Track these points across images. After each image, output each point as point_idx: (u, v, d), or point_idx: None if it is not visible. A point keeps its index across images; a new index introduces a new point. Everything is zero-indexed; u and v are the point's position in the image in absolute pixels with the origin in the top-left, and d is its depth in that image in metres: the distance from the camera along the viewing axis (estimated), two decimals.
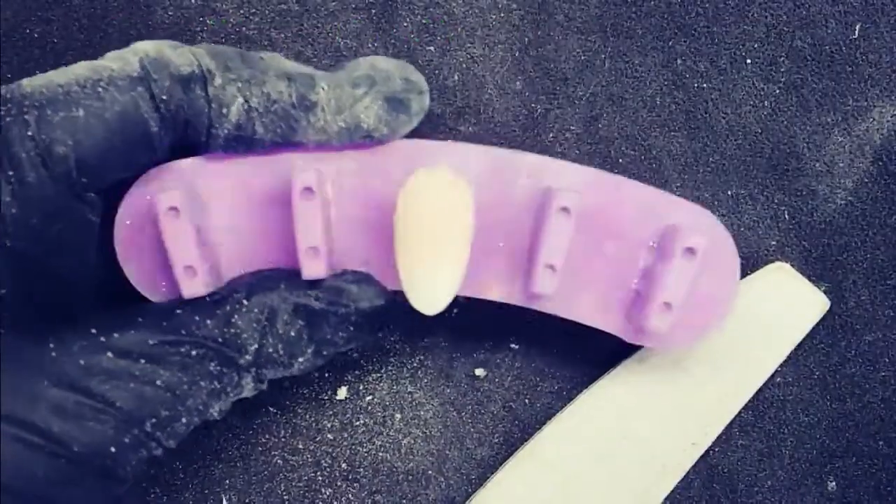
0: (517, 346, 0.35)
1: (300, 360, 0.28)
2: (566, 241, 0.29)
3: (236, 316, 0.27)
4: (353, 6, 0.34)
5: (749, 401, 0.34)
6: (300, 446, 0.35)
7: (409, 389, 0.35)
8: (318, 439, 0.35)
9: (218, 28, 0.34)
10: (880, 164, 0.34)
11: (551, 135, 0.34)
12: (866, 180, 0.34)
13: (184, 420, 0.26)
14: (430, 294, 0.28)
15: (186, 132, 0.27)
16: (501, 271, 0.30)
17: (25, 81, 0.25)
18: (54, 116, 0.24)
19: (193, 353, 0.26)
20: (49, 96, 0.24)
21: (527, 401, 0.35)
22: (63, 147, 0.24)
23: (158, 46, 0.26)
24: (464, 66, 0.34)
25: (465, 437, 0.35)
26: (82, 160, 0.24)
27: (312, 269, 0.28)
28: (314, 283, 0.28)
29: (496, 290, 0.30)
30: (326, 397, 0.35)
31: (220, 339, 0.26)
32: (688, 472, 0.34)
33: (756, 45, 0.34)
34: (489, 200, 0.30)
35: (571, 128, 0.34)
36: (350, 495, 0.35)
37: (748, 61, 0.34)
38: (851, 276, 0.35)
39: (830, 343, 0.35)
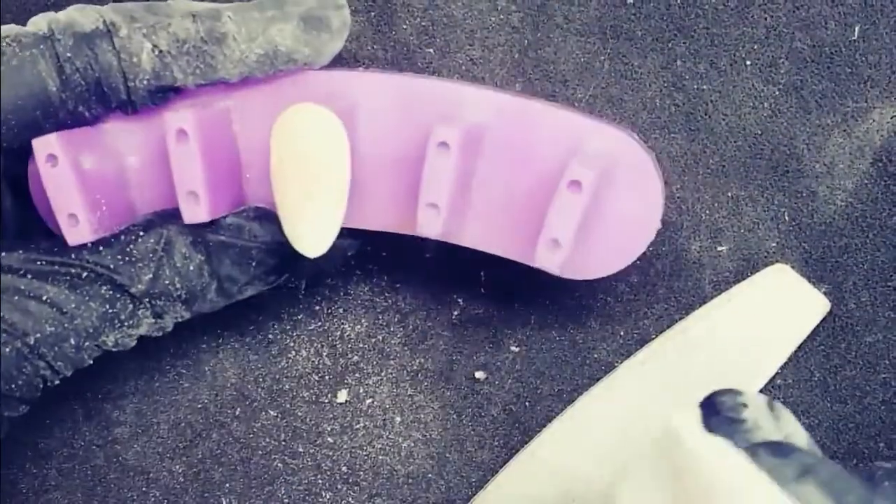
0: (517, 349, 0.35)
1: (204, 297, 0.28)
2: (446, 179, 0.27)
3: (132, 246, 0.27)
4: (353, 8, 0.34)
5: None
6: (300, 449, 0.35)
7: (409, 392, 0.35)
8: (318, 442, 0.35)
9: None
10: (880, 165, 0.34)
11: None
12: (866, 182, 0.34)
13: (72, 341, 0.26)
14: (309, 235, 0.27)
15: (103, 92, 0.27)
16: (411, 203, 0.29)
17: None
18: None
19: (84, 275, 0.26)
20: None
21: (527, 403, 0.35)
22: None
23: (68, 11, 0.27)
24: (463, 68, 0.34)
25: (466, 440, 0.35)
26: None
27: (193, 213, 0.27)
28: (215, 221, 0.28)
29: (407, 224, 0.29)
30: (326, 400, 0.35)
31: (111, 266, 0.27)
32: None
33: (756, 47, 0.34)
34: (396, 132, 0.29)
35: None
36: (350, 498, 0.35)
37: (748, 63, 0.34)
38: (852, 278, 0.34)
39: (831, 345, 0.35)
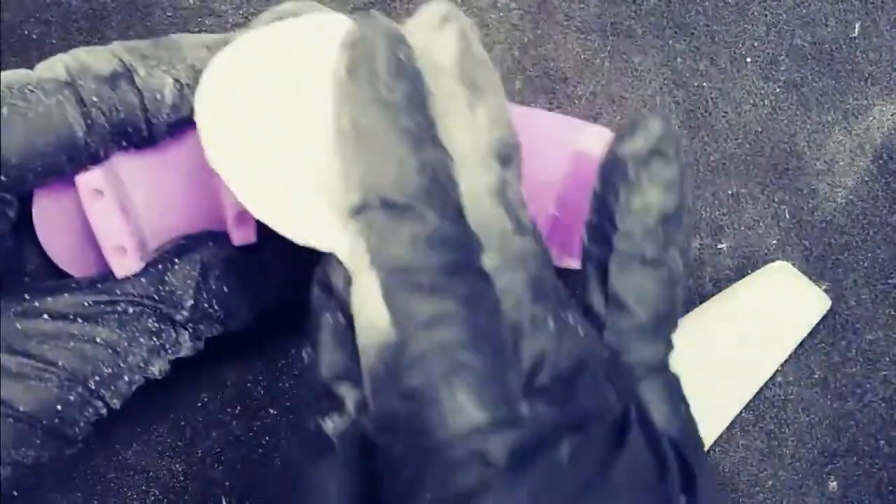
0: None
1: (239, 315, 0.28)
2: None
3: (169, 274, 0.27)
4: (352, 6, 0.34)
5: (750, 400, 0.34)
6: None
7: None
8: None
9: (217, 28, 0.34)
10: (881, 162, 0.34)
11: None
12: (867, 179, 0.34)
13: (126, 378, 0.26)
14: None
15: (126, 132, 0.27)
16: None
17: None
18: None
19: (130, 310, 0.26)
20: None
21: None
22: None
23: (74, 54, 0.27)
24: None
25: None
26: (2, 157, 0.24)
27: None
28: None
29: None
30: None
31: (155, 297, 0.27)
32: None
33: (756, 44, 0.34)
34: None
35: None
36: None
37: (748, 60, 0.34)
38: (852, 275, 0.34)
39: (831, 342, 0.35)
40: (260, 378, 0.35)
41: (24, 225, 0.29)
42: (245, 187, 0.22)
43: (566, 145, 0.29)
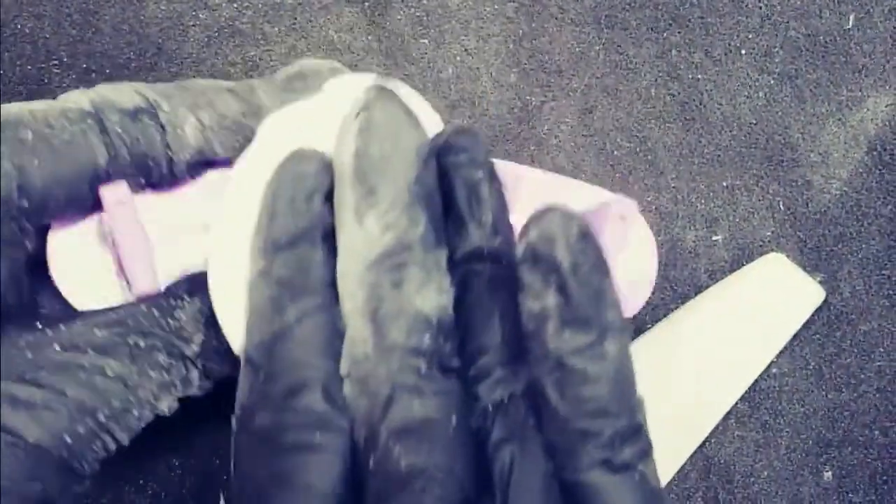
0: None
1: None
2: None
3: (178, 310, 0.27)
4: (359, 9, 0.34)
5: (745, 392, 0.34)
6: None
7: None
8: None
9: (211, 22, 0.34)
10: (875, 154, 0.34)
11: (546, 127, 0.34)
12: (861, 170, 0.34)
13: (135, 412, 0.26)
14: None
15: (147, 166, 0.27)
16: None
17: None
18: (2, 134, 0.24)
19: (142, 343, 0.26)
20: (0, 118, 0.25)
21: None
22: (8, 164, 0.24)
23: (97, 89, 0.27)
24: (458, 58, 0.34)
25: None
26: (25, 183, 0.24)
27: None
28: None
29: None
30: None
31: (165, 329, 0.27)
32: (684, 464, 0.34)
33: (750, 36, 0.34)
34: None
35: (566, 120, 0.34)
36: None
37: (743, 52, 0.34)
38: (847, 267, 0.35)
39: (826, 333, 0.35)
40: None
41: (41, 264, 0.29)
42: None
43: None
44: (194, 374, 0.28)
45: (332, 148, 0.23)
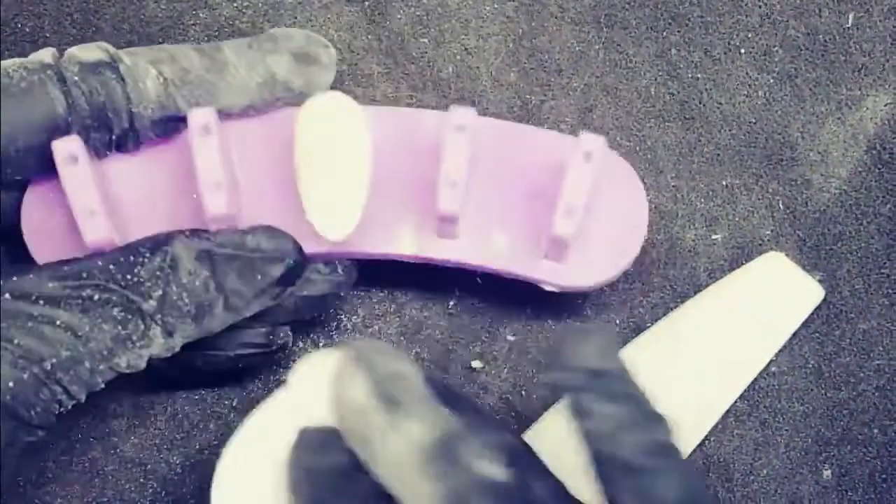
0: (513, 338, 0.35)
1: (212, 312, 0.28)
2: (465, 158, 0.29)
3: (139, 266, 0.27)
4: (358, 8, 0.34)
5: (744, 390, 0.34)
6: None
7: None
8: None
9: (211, 21, 0.34)
10: (874, 152, 0.34)
11: (546, 126, 0.34)
12: (860, 169, 0.34)
13: (87, 364, 0.26)
14: (332, 218, 0.29)
15: (107, 117, 0.27)
16: (412, 224, 0.31)
17: None
18: None
19: (95, 296, 0.26)
20: None
21: (523, 392, 0.35)
22: None
23: (69, 49, 0.28)
24: (458, 57, 0.34)
25: None
26: None
27: (216, 204, 0.28)
28: (218, 233, 0.29)
29: (408, 243, 0.31)
30: None
31: (122, 284, 0.27)
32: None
33: (750, 35, 0.34)
34: (397, 159, 0.30)
35: (566, 119, 0.34)
36: None
37: (742, 51, 0.34)
38: (846, 265, 0.35)
39: (825, 332, 0.35)
40: (256, 370, 0.35)
41: (11, 232, 0.29)
42: None
43: (557, 161, 0.30)
44: (155, 331, 0.28)
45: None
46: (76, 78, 0.26)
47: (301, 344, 0.35)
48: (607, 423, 0.22)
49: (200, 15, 0.34)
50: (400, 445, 0.21)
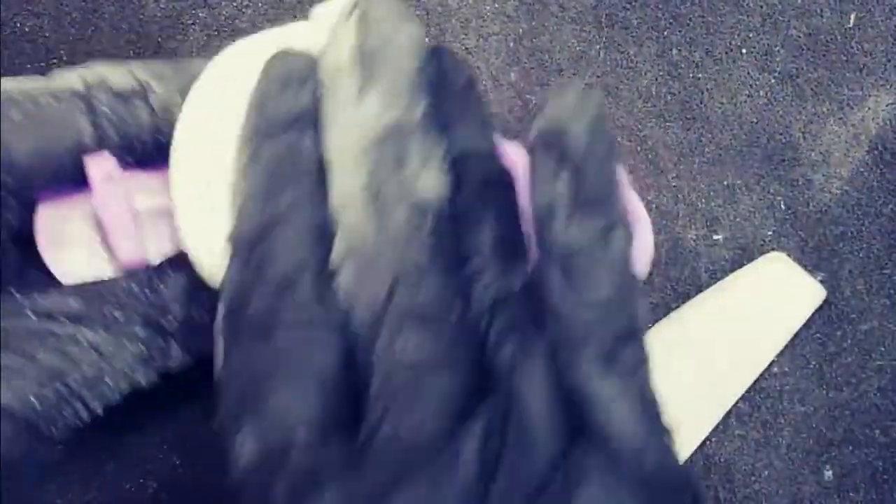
0: None
1: None
2: None
3: (161, 284, 0.27)
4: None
5: (745, 391, 0.34)
6: None
7: None
8: None
9: (210, 21, 0.34)
10: (876, 153, 0.34)
11: None
12: (862, 169, 0.34)
13: (109, 382, 0.26)
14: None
15: (133, 147, 0.27)
16: None
17: None
18: None
19: (118, 315, 0.26)
20: None
21: None
22: None
23: (91, 67, 0.27)
24: (458, 57, 0.34)
25: None
26: (9, 160, 0.25)
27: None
28: None
29: None
30: None
31: (145, 302, 0.27)
32: (684, 462, 0.34)
33: (751, 35, 0.34)
34: None
35: None
36: None
37: (744, 51, 0.34)
38: (847, 266, 0.35)
39: (826, 332, 0.35)
40: None
41: (29, 241, 0.29)
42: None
43: None
44: (173, 348, 0.28)
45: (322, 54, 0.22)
46: (105, 108, 0.26)
47: None
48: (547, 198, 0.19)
49: (200, 14, 0.34)
50: (352, 121, 0.19)
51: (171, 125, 0.27)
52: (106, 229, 0.27)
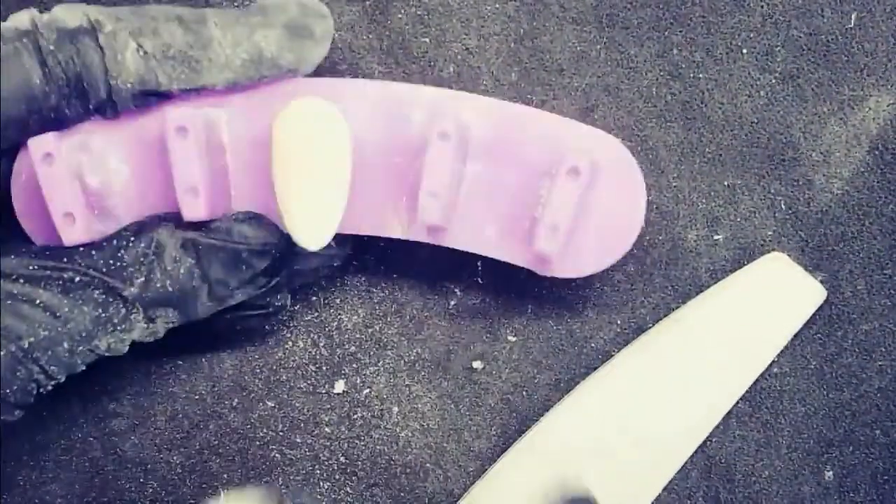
0: (514, 339, 0.35)
1: (196, 301, 0.28)
2: (446, 168, 0.28)
3: (123, 251, 0.27)
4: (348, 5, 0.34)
5: (746, 391, 0.34)
6: (298, 440, 0.35)
7: (406, 383, 0.35)
8: (315, 433, 0.35)
9: (201, 3, 0.34)
10: (876, 153, 0.34)
11: None
12: (862, 170, 0.34)
13: (66, 345, 0.26)
14: (309, 228, 0.28)
15: (84, 88, 0.27)
16: (400, 206, 0.30)
17: None
18: None
19: (76, 279, 0.26)
20: None
21: (524, 393, 0.35)
22: None
23: (52, 10, 0.27)
24: (459, 57, 0.34)
25: (463, 430, 0.35)
26: None
27: (192, 209, 0.28)
28: (205, 225, 0.28)
29: (396, 227, 0.30)
30: (324, 391, 0.35)
31: (104, 269, 0.27)
32: (685, 463, 0.34)
33: (752, 35, 0.34)
34: (385, 137, 0.30)
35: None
36: (348, 488, 0.35)
37: (744, 51, 0.34)
38: (848, 266, 0.35)
39: (827, 333, 0.35)
40: (257, 370, 0.35)
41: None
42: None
43: (557, 148, 0.29)
44: (137, 316, 0.28)
45: None
46: (52, 47, 0.26)
47: (301, 343, 0.35)
48: None
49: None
50: None
51: (119, 68, 0.27)
52: (49, 208, 0.27)
